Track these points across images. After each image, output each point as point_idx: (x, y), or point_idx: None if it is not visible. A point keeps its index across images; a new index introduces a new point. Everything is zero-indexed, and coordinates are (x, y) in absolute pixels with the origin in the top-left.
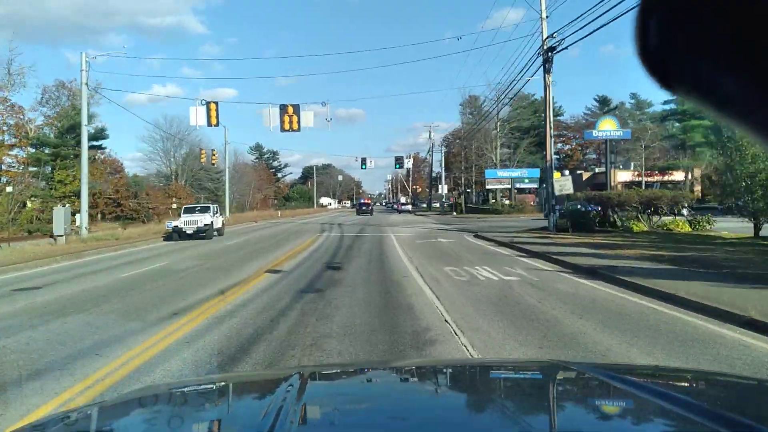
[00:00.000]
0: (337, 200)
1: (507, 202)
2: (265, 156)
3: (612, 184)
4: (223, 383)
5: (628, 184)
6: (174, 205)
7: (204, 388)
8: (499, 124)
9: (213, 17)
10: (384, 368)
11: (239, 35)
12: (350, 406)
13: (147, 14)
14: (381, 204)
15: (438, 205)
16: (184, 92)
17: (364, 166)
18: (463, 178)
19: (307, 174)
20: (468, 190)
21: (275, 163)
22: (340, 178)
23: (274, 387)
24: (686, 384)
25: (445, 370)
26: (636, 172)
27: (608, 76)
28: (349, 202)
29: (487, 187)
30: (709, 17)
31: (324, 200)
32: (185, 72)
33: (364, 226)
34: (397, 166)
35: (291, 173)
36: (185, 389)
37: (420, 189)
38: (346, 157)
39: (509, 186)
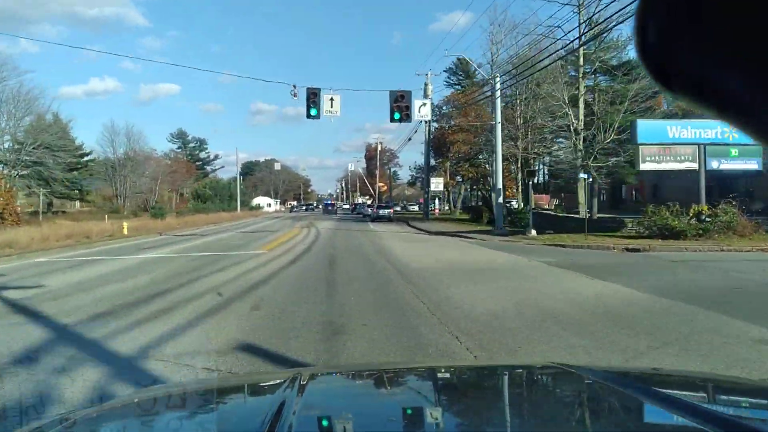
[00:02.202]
0: (278, 201)
1: (700, 210)
2: (190, 145)
3: None
4: (221, 386)
5: None
6: None
7: (202, 392)
8: (582, 51)
9: (154, 9)
10: (383, 371)
11: (182, 28)
12: (349, 409)
13: (85, 4)
14: (331, 207)
15: (436, 205)
16: (124, 87)
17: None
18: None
19: (247, 170)
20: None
21: (203, 155)
22: (278, 166)
23: (273, 390)
24: (684, 387)
25: (444, 373)
26: None
27: None
28: (295, 202)
29: (642, 166)
30: (710, 16)
31: (261, 200)
32: (125, 65)
33: None
34: (397, 116)
35: (223, 167)
36: (183, 392)
37: (385, 187)
38: (293, 157)
39: (696, 163)
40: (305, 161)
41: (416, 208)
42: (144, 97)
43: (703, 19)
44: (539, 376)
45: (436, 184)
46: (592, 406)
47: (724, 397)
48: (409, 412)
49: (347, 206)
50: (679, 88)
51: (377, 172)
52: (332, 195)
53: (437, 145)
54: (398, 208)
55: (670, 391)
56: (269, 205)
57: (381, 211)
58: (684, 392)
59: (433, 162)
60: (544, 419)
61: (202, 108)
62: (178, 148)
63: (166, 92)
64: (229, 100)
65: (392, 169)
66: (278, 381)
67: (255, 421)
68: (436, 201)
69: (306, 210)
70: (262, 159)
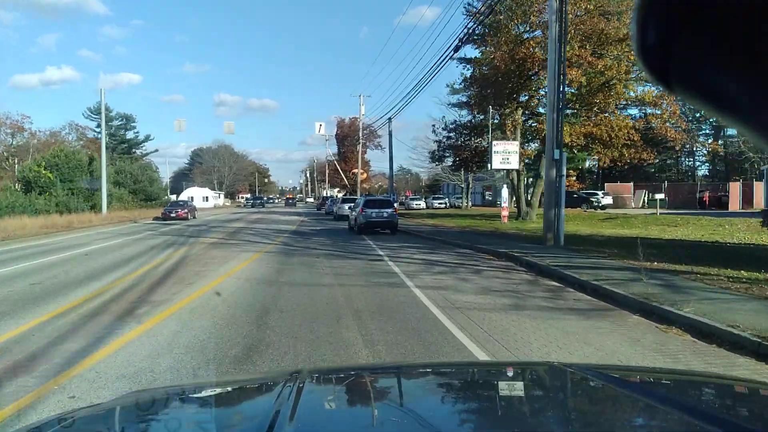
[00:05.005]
0: (222, 193)
1: None
2: (114, 123)
3: None
4: (219, 386)
5: None
6: None
7: (201, 392)
8: None
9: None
10: (382, 370)
11: (144, 17)
12: (348, 409)
13: None
14: (291, 200)
15: (503, 202)
16: (83, 76)
17: None
18: None
19: (196, 158)
20: None
21: (129, 135)
22: (180, 122)
23: (272, 389)
24: (685, 386)
25: (443, 372)
26: None
27: None
28: (247, 196)
29: None
30: (709, 16)
31: (195, 192)
32: (84, 54)
33: None
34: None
35: (155, 150)
36: (181, 392)
37: (364, 175)
38: (257, 151)
39: None
40: (270, 154)
41: (421, 204)
42: (105, 87)
43: (703, 19)
44: (539, 376)
45: (504, 157)
46: (592, 406)
47: (723, 396)
48: (408, 411)
49: (311, 199)
50: (678, 88)
51: (359, 149)
52: (295, 188)
53: (483, 86)
54: (396, 205)
55: (670, 391)
56: (206, 199)
57: (374, 212)
58: (683, 392)
59: (466, 117)
60: (543, 419)
61: (163, 99)
62: (98, 126)
63: (128, 81)
64: (191, 91)
65: (380, 145)
66: (277, 381)
67: (254, 421)
68: (504, 193)
69: (254, 206)
70: (215, 145)
